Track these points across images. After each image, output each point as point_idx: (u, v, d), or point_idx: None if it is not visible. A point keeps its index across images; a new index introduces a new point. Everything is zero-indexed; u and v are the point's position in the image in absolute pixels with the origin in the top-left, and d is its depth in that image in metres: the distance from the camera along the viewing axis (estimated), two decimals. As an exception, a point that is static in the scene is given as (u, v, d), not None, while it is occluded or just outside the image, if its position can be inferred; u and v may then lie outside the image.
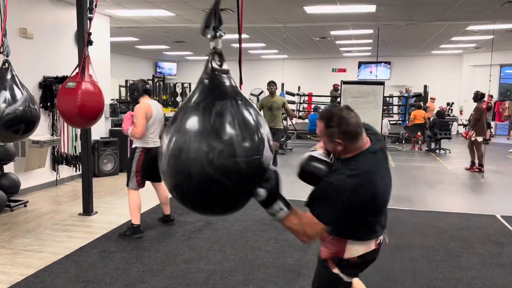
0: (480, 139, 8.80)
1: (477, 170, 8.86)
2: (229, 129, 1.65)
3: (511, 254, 4.39)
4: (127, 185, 4.71)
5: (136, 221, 4.66)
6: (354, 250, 2.16)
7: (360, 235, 2.16)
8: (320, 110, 2.23)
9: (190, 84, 20.56)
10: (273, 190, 1.82)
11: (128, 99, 11.86)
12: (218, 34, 1.78)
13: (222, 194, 1.68)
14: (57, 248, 4.34)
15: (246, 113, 1.73)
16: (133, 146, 4.67)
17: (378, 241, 2.24)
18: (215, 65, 1.76)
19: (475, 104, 8.92)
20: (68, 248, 4.35)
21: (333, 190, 1.94)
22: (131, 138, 4.71)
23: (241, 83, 2.06)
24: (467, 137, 9.19)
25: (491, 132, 14.13)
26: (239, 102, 1.74)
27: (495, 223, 5.44)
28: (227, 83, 1.79)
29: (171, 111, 18.60)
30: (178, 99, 21.03)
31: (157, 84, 18.84)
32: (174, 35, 12.17)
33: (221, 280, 3.67)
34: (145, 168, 4.63)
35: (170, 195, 4.61)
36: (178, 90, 20.94)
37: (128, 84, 17.64)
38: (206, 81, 1.77)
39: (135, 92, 4.68)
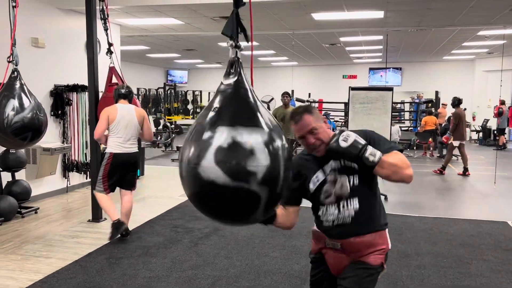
0: (456, 143, 9.10)
1: (438, 171, 9.30)
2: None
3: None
4: (94, 188, 4.75)
5: (114, 216, 4.63)
6: (388, 235, 2.17)
7: (386, 216, 2.19)
8: (293, 114, 2.16)
9: (201, 91, 20.69)
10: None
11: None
12: (230, 43, 1.80)
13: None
14: (65, 254, 4.38)
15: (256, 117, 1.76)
16: (103, 150, 4.72)
17: None
18: (227, 75, 1.80)
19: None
20: (76, 254, 4.39)
21: (367, 131, 2.09)
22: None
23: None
24: (446, 142, 9.34)
25: (505, 139, 13.95)
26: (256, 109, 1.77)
27: (506, 229, 5.36)
28: (245, 91, 1.81)
29: (182, 118, 18.73)
30: (189, 106, 21.15)
31: (168, 92, 18.99)
32: (185, 43, 12.29)
33: (227, 286, 3.67)
34: (112, 173, 4.61)
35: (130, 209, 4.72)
36: (189, 97, 21.06)
37: (139, 93, 17.83)
38: (223, 90, 1.81)
39: (114, 97, 4.76)
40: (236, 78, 1.82)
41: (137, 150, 4.77)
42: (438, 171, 9.29)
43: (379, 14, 7.76)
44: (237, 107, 1.75)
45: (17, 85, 3.94)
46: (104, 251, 4.49)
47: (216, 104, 1.76)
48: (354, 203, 2.05)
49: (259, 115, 1.73)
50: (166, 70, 20.50)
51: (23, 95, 3.92)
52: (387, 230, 2.15)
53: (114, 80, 5.57)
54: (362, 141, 1.91)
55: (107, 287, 3.64)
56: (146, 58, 16.24)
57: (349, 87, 6.74)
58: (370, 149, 1.90)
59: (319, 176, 2.10)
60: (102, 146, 4.86)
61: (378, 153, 1.90)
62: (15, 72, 3.99)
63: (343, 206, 2.07)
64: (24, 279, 3.78)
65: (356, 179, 2.04)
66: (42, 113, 4.01)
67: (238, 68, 1.85)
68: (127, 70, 6.11)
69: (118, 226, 4.63)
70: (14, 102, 3.82)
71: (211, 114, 1.72)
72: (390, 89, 7.00)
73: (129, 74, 5.37)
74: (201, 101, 21.16)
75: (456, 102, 9.33)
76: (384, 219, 2.14)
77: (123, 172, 4.71)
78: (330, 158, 2.07)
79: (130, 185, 4.84)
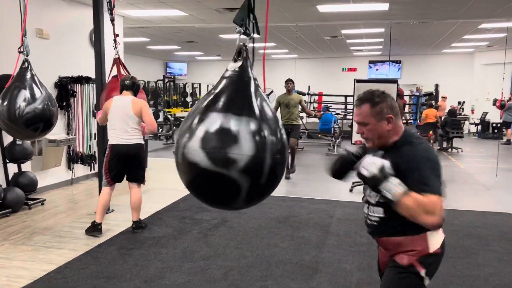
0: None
1: None
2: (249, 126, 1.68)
3: (528, 251, 4.37)
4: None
5: (98, 218, 4.66)
6: (435, 240, 1.98)
7: None
8: (360, 96, 2.11)
9: (200, 84, 20.64)
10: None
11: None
12: (238, 30, 1.80)
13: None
14: (76, 245, 4.40)
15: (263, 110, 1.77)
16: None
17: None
18: (233, 62, 1.80)
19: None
20: (87, 245, 4.41)
21: (423, 158, 1.89)
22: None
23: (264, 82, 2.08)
24: None
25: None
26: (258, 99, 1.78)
27: (510, 220, 5.42)
28: (247, 80, 1.82)
29: (182, 111, 18.70)
30: (188, 99, 21.11)
31: (167, 84, 18.94)
32: (186, 35, 12.24)
33: (239, 276, 3.70)
34: (112, 165, 4.60)
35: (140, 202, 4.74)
36: (188, 90, 21.00)
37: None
38: (227, 78, 1.82)
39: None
40: (240, 65, 1.84)
41: (138, 142, 4.66)
42: None
43: (384, 7, 7.76)
44: (234, 94, 1.77)
45: (28, 75, 3.94)
46: (115, 242, 4.51)
47: (216, 89, 1.79)
48: (379, 211, 2.02)
49: (254, 105, 1.74)
50: (165, 63, 20.43)
51: (34, 86, 3.91)
52: (429, 233, 1.96)
53: (114, 71, 5.52)
54: (380, 174, 1.81)
55: (120, 277, 3.67)
56: (146, 50, 16.18)
57: (354, 79, 6.76)
58: (389, 184, 1.80)
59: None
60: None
61: (398, 192, 1.79)
62: (26, 63, 3.98)
63: (372, 211, 2.07)
64: (37, 270, 3.80)
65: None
66: (53, 104, 4.01)
67: (244, 55, 1.87)
68: (126, 62, 6.11)
69: (95, 229, 4.67)
70: (25, 93, 3.82)
71: (208, 98, 1.76)
72: (395, 81, 7.03)
73: (128, 66, 5.38)
74: (200, 94, 21.12)
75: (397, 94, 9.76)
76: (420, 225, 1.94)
77: (125, 164, 4.66)
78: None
79: (135, 178, 4.77)
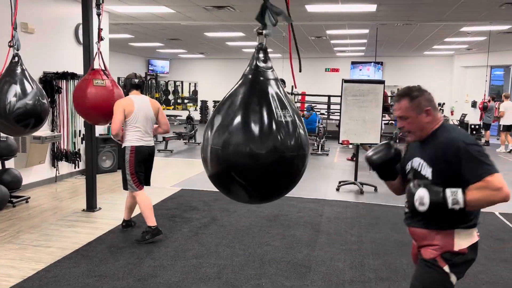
0: None
1: (350, 159, 10.13)
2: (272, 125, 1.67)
3: (513, 249, 4.48)
4: (125, 188, 4.44)
5: (152, 222, 4.36)
6: (462, 240, 2.00)
7: (466, 221, 2.01)
8: (396, 92, 2.13)
9: (182, 82, 20.51)
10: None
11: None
12: (265, 32, 1.77)
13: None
14: (65, 243, 4.32)
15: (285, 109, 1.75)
16: (122, 146, 4.42)
17: (478, 233, 2.08)
18: (259, 61, 1.78)
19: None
20: (76, 243, 4.33)
21: (463, 143, 1.93)
22: (112, 136, 4.48)
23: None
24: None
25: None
26: (282, 98, 1.76)
27: (494, 220, 5.54)
28: (271, 78, 1.79)
29: (164, 109, 18.56)
30: (170, 97, 20.98)
31: (150, 82, 18.77)
32: (170, 32, 12.13)
33: (233, 275, 3.69)
34: (138, 167, 4.37)
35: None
36: (171, 88, 20.89)
37: (120, 82, 17.54)
38: (250, 76, 1.78)
39: (125, 86, 4.55)
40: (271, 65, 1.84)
41: (154, 143, 4.56)
42: (350, 159, 10.09)
43: (371, 8, 7.84)
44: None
45: (19, 70, 3.84)
46: (104, 240, 4.45)
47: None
48: None
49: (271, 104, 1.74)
50: (147, 60, 20.22)
51: (25, 80, 3.81)
52: (457, 231, 2.00)
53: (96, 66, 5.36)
54: (437, 198, 1.87)
55: (113, 275, 3.62)
56: (128, 47, 15.97)
57: (342, 79, 6.80)
58: (450, 198, 1.86)
59: (413, 163, 2.15)
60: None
61: (460, 197, 1.85)
62: (16, 57, 3.88)
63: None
64: (26, 268, 3.72)
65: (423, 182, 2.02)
66: (44, 100, 3.92)
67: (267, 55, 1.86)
68: (108, 59, 6.05)
69: (154, 233, 4.37)
70: (16, 88, 3.72)
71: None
72: (382, 82, 7.11)
73: (110, 62, 5.26)
74: (182, 92, 21.01)
75: None
76: (451, 222, 2.00)
77: (146, 165, 4.47)
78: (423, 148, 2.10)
79: (148, 179, 4.60)
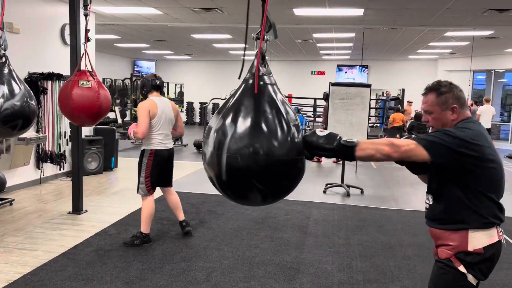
0: None
1: (316, 160, 10.13)
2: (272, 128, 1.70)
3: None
4: (138, 191, 4.41)
5: (146, 230, 4.36)
6: (478, 239, 1.96)
7: (480, 221, 1.97)
8: (429, 85, 2.14)
9: (168, 83, 20.41)
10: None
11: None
12: (266, 38, 1.83)
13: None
14: (50, 247, 4.27)
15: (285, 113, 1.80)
16: (142, 148, 4.38)
17: (500, 232, 2.02)
18: (260, 66, 1.83)
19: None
20: (62, 246, 4.28)
21: (445, 133, 1.92)
22: (134, 138, 4.46)
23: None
24: None
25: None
26: (280, 103, 1.80)
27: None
28: (270, 84, 1.84)
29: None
30: (156, 98, 20.80)
31: (135, 83, 18.59)
32: (156, 33, 12.07)
33: (222, 278, 3.68)
34: (154, 171, 4.32)
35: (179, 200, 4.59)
36: (156, 89, 20.71)
37: (105, 83, 17.37)
38: (251, 81, 1.82)
39: (144, 87, 4.40)
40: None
41: (172, 146, 4.52)
42: (316, 160, 10.11)
43: (358, 12, 7.91)
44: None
45: (6, 70, 3.78)
46: (91, 243, 4.40)
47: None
48: (430, 199, 2.10)
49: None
50: (133, 61, 20.08)
51: (12, 81, 3.76)
52: (472, 231, 1.96)
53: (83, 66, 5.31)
54: (334, 134, 1.92)
55: (100, 279, 3.58)
56: (114, 47, 15.84)
57: (330, 82, 6.86)
58: (345, 138, 1.93)
59: None
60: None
61: (355, 140, 1.91)
62: (4, 58, 3.82)
63: (427, 198, 2.14)
64: (11, 272, 3.67)
65: (435, 180, 2.06)
66: (32, 101, 3.87)
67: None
68: (94, 59, 6.00)
69: (145, 240, 4.38)
70: (3, 89, 3.66)
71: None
72: (368, 85, 7.17)
73: (95, 63, 5.22)
74: (168, 93, 20.89)
75: (325, 97, 10.20)
76: (465, 221, 1.97)
77: (163, 169, 4.42)
78: None
79: (169, 181, 4.58)
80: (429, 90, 2.07)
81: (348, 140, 1.87)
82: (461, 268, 1.97)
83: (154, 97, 4.35)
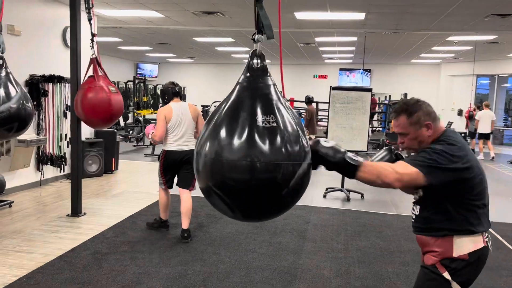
0: (313, 137, 9.87)
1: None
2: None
3: (497, 258, 4.51)
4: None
5: (163, 216, 4.89)
6: (462, 245, 1.97)
7: (465, 226, 1.97)
8: (396, 107, 2.12)
9: (171, 86, 20.40)
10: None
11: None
12: (256, 38, 1.82)
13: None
14: (47, 249, 4.26)
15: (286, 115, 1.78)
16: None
17: (486, 238, 2.02)
18: (254, 66, 1.81)
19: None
20: (59, 249, 4.27)
21: (437, 153, 1.91)
22: (152, 140, 4.80)
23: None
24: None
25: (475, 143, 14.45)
26: (280, 105, 1.78)
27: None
28: (268, 85, 1.82)
29: (151, 113, 18.46)
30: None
31: (138, 85, 18.62)
32: (159, 36, 12.11)
33: (218, 282, 3.66)
34: (166, 170, 4.71)
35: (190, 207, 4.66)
36: (159, 92, 20.77)
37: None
38: (245, 83, 1.81)
39: (165, 96, 4.75)
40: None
41: (192, 148, 4.49)
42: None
43: (360, 16, 7.90)
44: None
45: (3, 73, 3.79)
46: (89, 246, 4.39)
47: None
48: (417, 209, 2.10)
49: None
50: (136, 63, 20.13)
51: (9, 84, 3.77)
52: (456, 237, 1.98)
53: (91, 72, 5.38)
54: (339, 147, 1.88)
55: (96, 282, 3.57)
56: (117, 50, 15.90)
57: (330, 86, 6.84)
58: (350, 154, 1.89)
59: None
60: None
61: (360, 158, 1.87)
62: (1, 60, 3.83)
63: (413, 209, 2.15)
64: (7, 275, 3.66)
65: (425, 193, 2.04)
66: (28, 103, 3.88)
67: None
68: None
69: (161, 225, 4.92)
70: (0, 91, 3.67)
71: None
72: (369, 89, 7.15)
73: None
74: (170, 96, 20.88)
75: (307, 100, 10.34)
76: (451, 228, 1.98)
77: (176, 169, 4.73)
78: None
79: (186, 183, 4.72)
80: (398, 113, 2.06)
81: (354, 158, 1.84)
82: (446, 275, 1.98)
83: (173, 102, 4.70)
